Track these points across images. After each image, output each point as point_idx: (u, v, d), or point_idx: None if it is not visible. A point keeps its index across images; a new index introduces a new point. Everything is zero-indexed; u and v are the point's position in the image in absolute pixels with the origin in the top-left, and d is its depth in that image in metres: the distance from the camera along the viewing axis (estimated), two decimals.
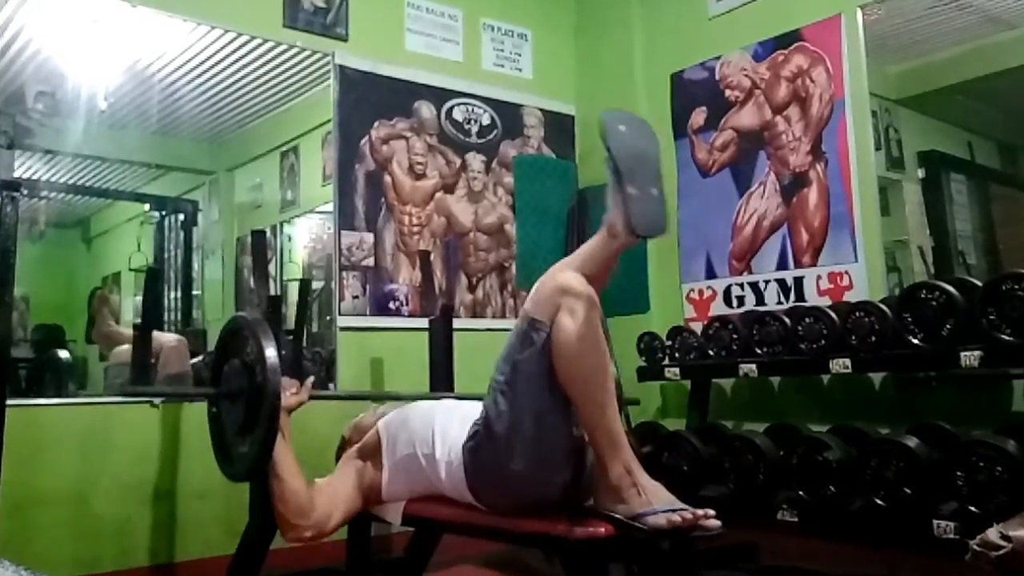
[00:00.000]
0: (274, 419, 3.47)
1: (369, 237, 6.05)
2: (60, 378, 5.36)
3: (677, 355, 5.78)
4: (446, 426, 3.59)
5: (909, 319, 4.44)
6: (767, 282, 5.94)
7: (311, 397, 4.00)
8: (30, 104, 5.18)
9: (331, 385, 5.77)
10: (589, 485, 3.31)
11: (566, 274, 3.25)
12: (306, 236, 6.46)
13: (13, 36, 5.13)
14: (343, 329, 5.87)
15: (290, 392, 3.83)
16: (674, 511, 2.99)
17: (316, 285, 6.14)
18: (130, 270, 5.78)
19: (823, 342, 4.86)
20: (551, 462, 3.22)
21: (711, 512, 3.03)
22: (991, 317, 4.13)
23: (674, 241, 6.52)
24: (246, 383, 3.62)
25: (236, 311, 5.96)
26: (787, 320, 5.10)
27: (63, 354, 5.40)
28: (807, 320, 4.95)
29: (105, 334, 5.63)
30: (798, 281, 5.78)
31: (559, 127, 7.22)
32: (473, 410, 3.49)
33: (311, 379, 4.01)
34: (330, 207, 5.99)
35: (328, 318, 5.94)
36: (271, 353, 3.52)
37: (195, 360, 5.65)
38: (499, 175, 6.80)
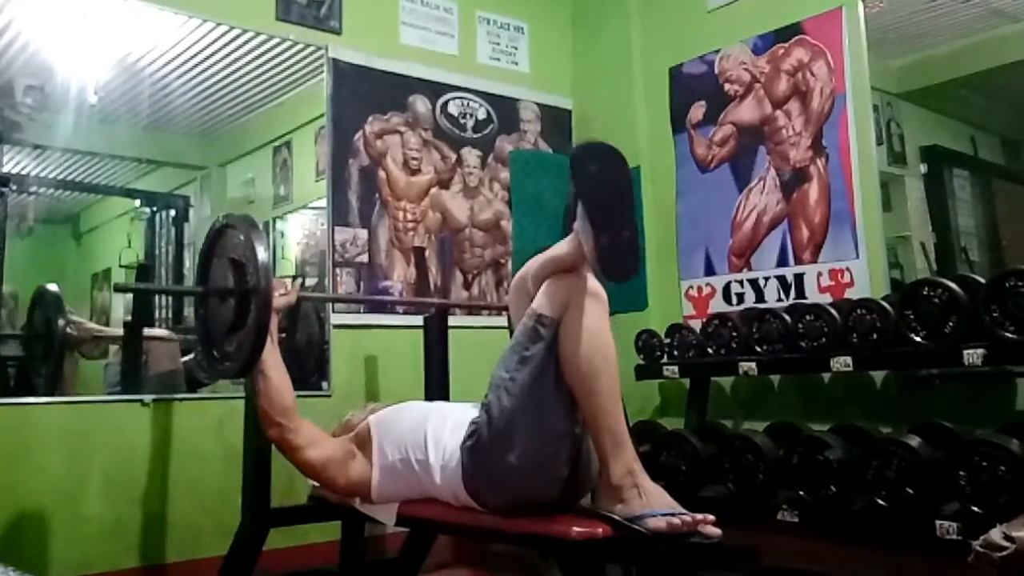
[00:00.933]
0: (265, 321, 3.56)
1: (363, 233, 6.04)
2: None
3: (676, 353, 5.78)
4: (439, 430, 3.59)
5: (911, 316, 4.44)
6: (767, 279, 5.93)
7: (300, 298, 4.20)
8: (19, 98, 5.17)
9: (324, 384, 5.77)
10: (587, 484, 3.32)
11: (575, 272, 3.26)
12: (299, 232, 6.45)
13: (2, 29, 5.11)
14: (336, 327, 5.85)
15: (279, 293, 3.92)
16: (673, 515, 3.00)
17: (309, 282, 6.13)
18: (120, 266, 5.76)
19: (824, 340, 4.85)
20: (551, 458, 3.22)
21: (711, 518, 3.04)
22: (994, 314, 4.12)
23: (673, 237, 6.52)
24: (235, 282, 3.69)
25: None
26: (787, 318, 5.10)
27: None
28: (808, 317, 4.95)
29: (94, 337, 5.61)
30: (798, 278, 5.77)
31: (556, 121, 7.21)
32: (466, 415, 3.50)
33: (298, 280, 4.07)
34: (323, 203, 5.97)
35: (321, 315, 5.93)
36: (262, 251, 3.59)
37: (186, 358, 5.64)
38: (495, 170, 6.80)
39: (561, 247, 3.31)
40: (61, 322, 5.14)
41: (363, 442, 3.85)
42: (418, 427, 3.67)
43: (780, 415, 5.55)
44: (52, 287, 5.18)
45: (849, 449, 4.59)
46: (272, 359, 3.75)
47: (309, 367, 5.85)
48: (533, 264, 3.41)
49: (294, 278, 4.29)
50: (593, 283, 3.24)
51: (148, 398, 5.10)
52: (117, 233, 5.97)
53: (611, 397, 3.17)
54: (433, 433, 3.59)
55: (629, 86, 6.92)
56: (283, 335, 5.43)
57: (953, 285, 4.31)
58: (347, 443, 3.88)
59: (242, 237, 3.70)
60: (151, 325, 5.71)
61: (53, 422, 4.82)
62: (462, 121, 6.65)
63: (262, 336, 3.57)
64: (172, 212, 6.05)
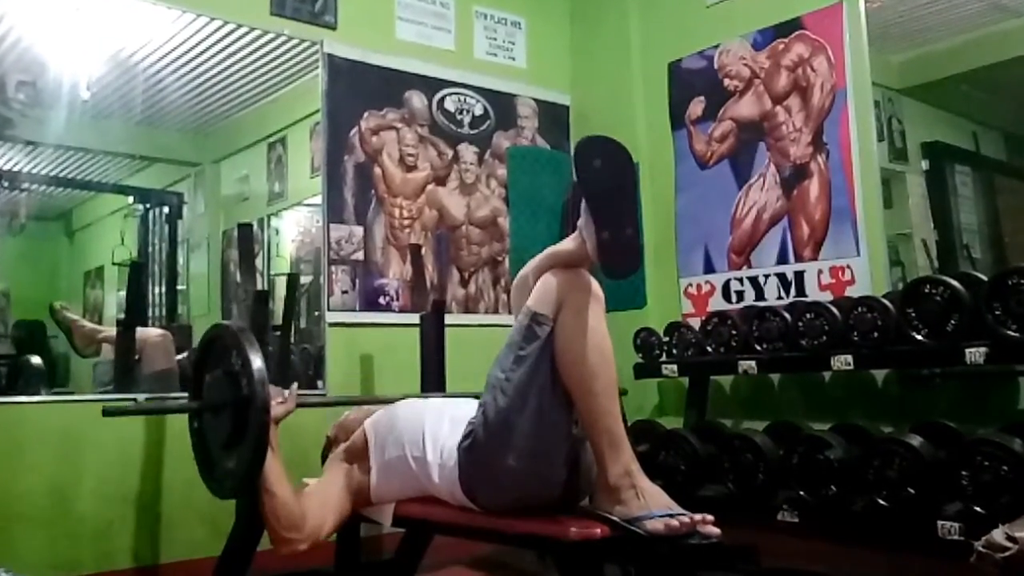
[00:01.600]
0: (264, 433, 3.42)
1: (359, 230, 6.04)
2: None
3: (675, 352, 5.78)
4: (436, 428, 3.58)
5: (913, 314, 4.43)
6: (767, 276, 5.93)
7: (299, 405, 3.96)
8: (11, 94, 5.16)
9: (319, 383, 5.76)
10: (585, 484, 3.31)
11: (571, 270, 3.25)
12: (294, 229, 6.45)
13: None
14: (332, 325, 5.85)
15: (276, 401, 3.71)
16: (672, 516, 2.99)
17: (304, 280, 6.13)
18: (113, 264, 5.75)
19: (824, 338, 4.85)
20: (548, 459, 3.21)
21: (709, 518, 3.03)
22: (997, 312, 4.12)
23: (671, 235, 6.52)
24: (231, 395, 3.56)
25: (222, 306, 5.98)
26: (787, 316, 5.10)
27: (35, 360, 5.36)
28: (808, 315, 4.95)
29: (88, 336, 5.61)
30: (799, 275, 5.76)
31: (554, 117, 7.21)
32: (463, 411, 3.50)
33: (295, 386, 3.97)
34: (318, 200, 5.97)
35: (316, 314, 5.93)
36: (258, 363, 3.45)
37: (180, 356, 5.63)
38: (492, 167, 6.79)
39: (565, 244, 3.31)
40: None
41: (359, 452, 3.82)
42: (415, 424, 3.66)
43: (780, 414, 5.55)
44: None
45: (850, 449, 4.59)
46: (275, 474, 3.55)
47: (304, 365, 5.86)
48: (535, 260, 3.40)
49: (287, 383, 4.22)
50: (589, 280, 3.23)
51: (141, 397, 5.10)
52: (110, 230, 5.96)
53: (608, 397, 3.16)
54: (431, 430, 3.58)
55: (628, 81, 6.92)
56: (277, 333, 5.43)
57: (955, 283, 4.30)
58: (342, 478, 3.83)
59: (235, 348, 3.59)
60: (144, 323, 5.70)
61: (45, 421, 4.82)
62: (459, 117, 6.64)
63: (261, 451, 3.44)
64: (166, 209, 6.05)
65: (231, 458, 3.59)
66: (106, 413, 3.85)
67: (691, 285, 6.40)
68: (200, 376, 3.84)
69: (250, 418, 3.43)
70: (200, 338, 3.97)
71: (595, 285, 3.23)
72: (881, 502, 4.30)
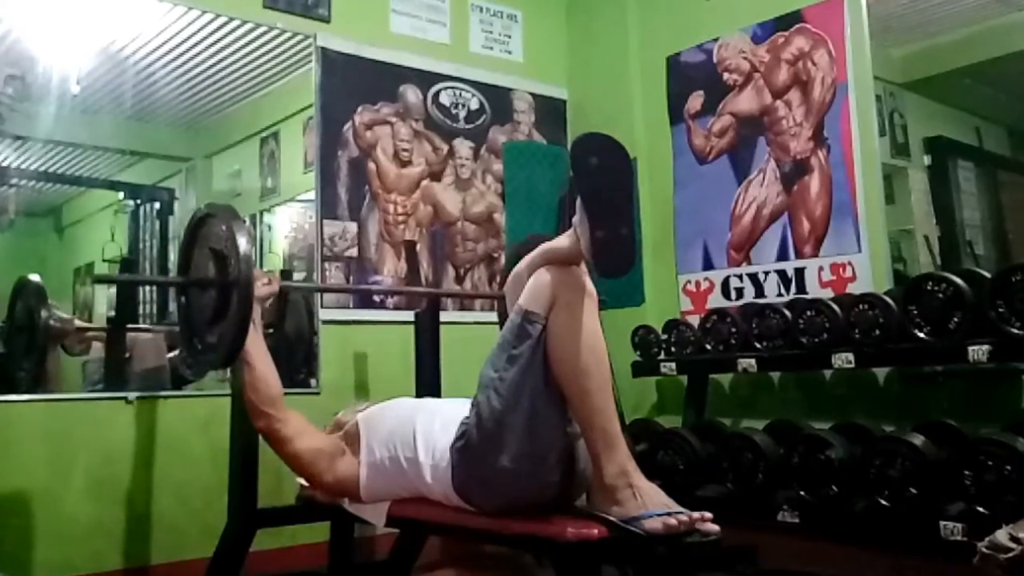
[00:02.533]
0: (248, 307, 3.58)
1: (352, 227, 6.02)
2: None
3: (673, 350, 5.77)
4: (427, 428, 3.57)
5: (915, 312, 4.43)
6: (767, 273, 5.93)
7: (282, 288, 4.24)
8: None
9: (312, 381, 5.75)
10: (581, 485, 3.30)
11: (562, 266, 3.24)
12: (287, 225, 6.44)
13: None
14: (325, 323, 5.84)
15: (261, 283, 3.95)
16: (670, 514, 2.98)
17: (297, 276, 6.12)
18: (104, 261, 5.75)
19: (825, 336, 4.85)
20: (543, 460, 3.19)
21: (708, 515, 3.02)
22: (1000, 310, 4.12)
23: (670, 231, 6.51)
24: (217, 272, 3.72)
25: None
26: (788, 313, 5.10)
27: None
28: (808, 313, 4.94)
29: (78, 334, 5.59)
30: (799, 272, 5.76)
31: (550, 112, 7.20)
32: (454, 410, 3.49)
33: (278, 272, 4.07)
34: (312, 195, 5.96)
35: (310, 311, 5.92)
36: (243, 241, 3.61)
37: (172, 355, 5.62)
38: (488, 162, 6.79)
39: (560, 241, 3.30)
40: (44, 314, 5.12)
41: (352, 440, 3.83)
42: (406, 424, 3.65)
43: (780, 413, 5.54)
44: (35, 277, 5.14)
45: (851, 448, 4.58)
46: (256, 349, 3.78)
47: (297, 363, 5.85)
48: (529, 257, 3.40)
49: (282, 272, 4.30)
50: (582, 278, 3.22)
51: (132, 395, 5.09)
52: (100, 226, 5.96)
53: (602, 395, 3.15)
54: (422, 430, 3.57)
55: (625, 75, 6.91)
56: (270, 331, 5.43)
57: (958, 280, 4.30)
58: (336, 440, 3.87)
59: (223, 227, 3.71)
60: (135, 321, 5.69)
61: (35, 420, 4.81)
62: (454, 111, 6.63)
63: (244, 325, 3.59)
64: (156, 205, 6.05)
65: (214, 333, 3.75)
66: (96, 280, 4.00)
67: (690, 282, 6.40)
68: (189, 252, 3.96)
69: (235, 294, 3.59)
70: (190, 217, 4.05)
71: (587, 282, 3.22)
72: (883, 502, 4.29)
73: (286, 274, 6.02)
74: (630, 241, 3.11)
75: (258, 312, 3.83)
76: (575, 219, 3.17)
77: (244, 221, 3.72)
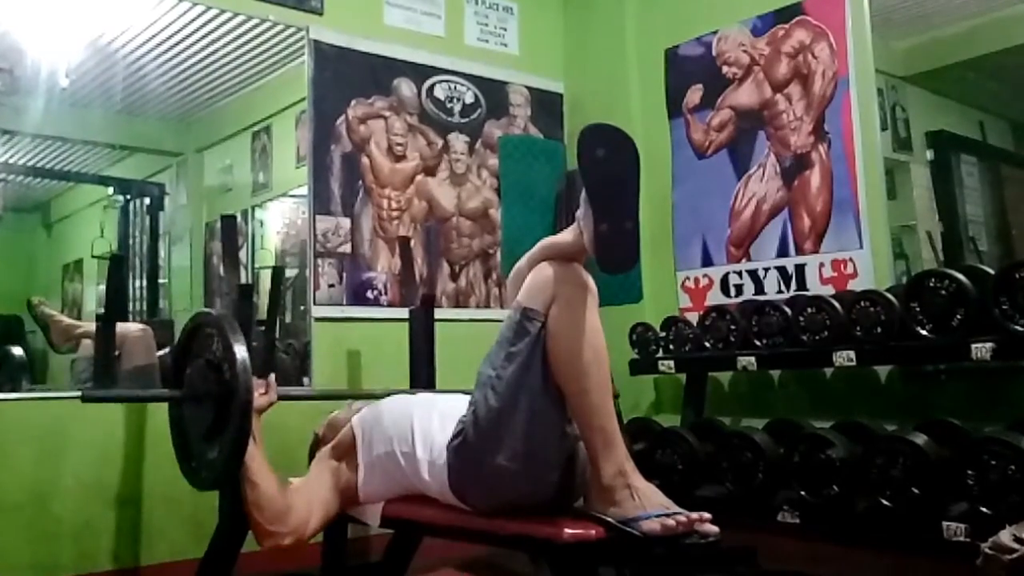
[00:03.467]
0: (246, 422, 3.43)
1: (346, 222, 6.02)
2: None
3: (672, 347, 5.77)
4: (425, 423, 3.57)
5: (917, 309, 4.43)
6: (767, 270, 5.92)
7: (280, 397, 3.99)
8: None
9: (306, 379, 5.75)
10: (580, 485, 3.29)
11: (562, 262, 3.23)
12: (279, 221, 6.44)
13: None
14: (318, 320, 5.84)
15: (258, 393, 3.75)
16: (668, 515, 2.98)
17: (290, 273, 6.11)
18: (93, 257, 5.74)
19: (826, 333, 4.85)
20: (541, 459, 3.20)
21: (707, 515, 3.02)
22: (1004, 307, 4.11)
23: (668, 227, 6.51)
24: (213, 384, 3.58)
25: (205, 301, 5.97)
26: (788, 310, 5.09)
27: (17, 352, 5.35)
28: (809, 310, 4.94)
29: (66, 331, 5.59)
30: (799, 269, 5.76)
31: (547, 106, 7.19)
32: (452, 406, 3.49)
33: (272, 376, 3.97)
34: (304, 190, 5.95)
35: (302, 308, 5.91)
36: (241, 351, 3.47)
37: (162, 352, 5.62)
38: (483, 157, 6.78)
39: (563, 235, 3.30)
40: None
41: (346, 449, 3.81)
42: (403, 419, 3.66)
43: (780, 412, 5.54)
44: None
45: (852, 447, 4.58)
46: (258, 464, 3.59)
47: (290, 361, 5.85)
48: (530, 252, 3.39)
49: (265, 374, 4.25)
50: (582, 274, 3.21)
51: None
52: (89, 222, 5.95)
53: (601, 394, 3.14)
54: (419, 426, 3.57)
55: (623, 69, 6.91)
56: (262, 328, 5.42)
57: (961, 276, 4.30)
58: (329, 476, 3.83)
59: (218, 336, 3.62)
60: (125, 318, 5.68)
61: (22, 418, 4.80)
62: (449, 105, 6.62)
63: (244, 441, 3.46)
64: (147, 200, 6.04)
65: (212, 449, 3.61)
66: (85, 399, 3.87)
67: (688, 279, 6.40)
68: (181, 365, 3.85)
69: (232, 408, 3.46)
70: (182, 326, 3.97)
71: (587, 278, 3.22)
72: (884, 502, 4.29)
73: (277, 270, 5.99)
74: (634, 237, 3.10)
75: (257, 425, 3.72)
76: (579, 212, 3.16)
77: (239, 329, 3.63)
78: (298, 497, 3.70)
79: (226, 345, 3.52)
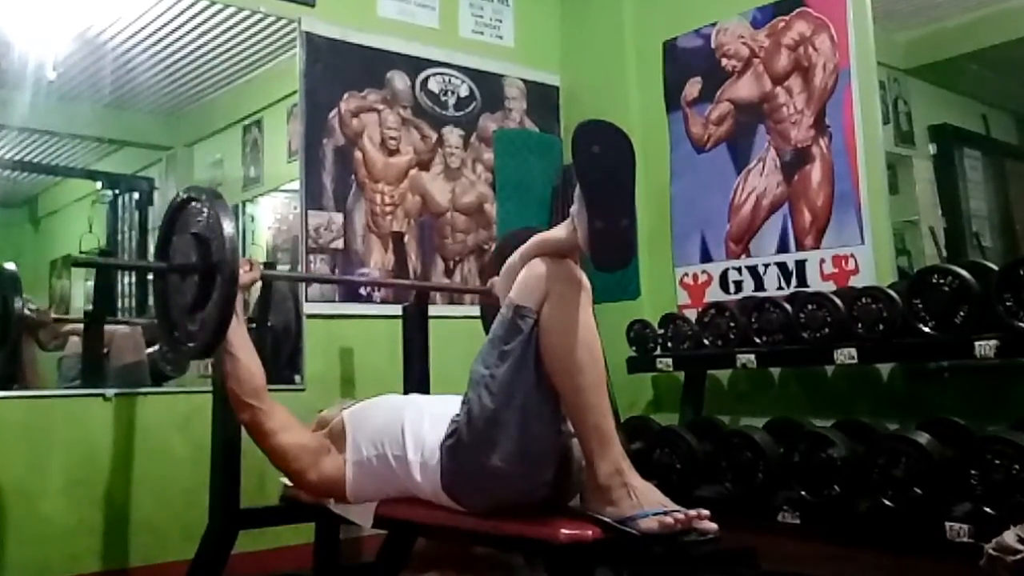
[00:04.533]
0: (232, 293, 3.56)
1: (338, 217, 6.01)
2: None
3: (670, 345, 5.78)
4: (416, 424, 3.56)
5: (920, 306, 4.43)
6: (767, 266, 5.92)
7: (262, 276, 4.30)
8: None
9: (297, 377, 5.74)
10: (576, 485, 3.29)
11: (555, 258, 3.22)
12: (270, 216, 6.43)
13: None
14: (310, 316, 5.83)
15: (243, 270, 3.92)
16: (666, 513, 2.97)
17: (281, 269, 6.11)
18: (81, 252, 5.73)
19: (827, 330, 4.84)
20: (536, 459, 3.18)
21: (705, 513, 3.02)
22: (1008, 303, 4.11)
23: (666, 222, 6.50)
24: (199, 258, 3.69)
25: None
26: (788, 307, 5.10)
27: None
28: (810, 307, 4.94)
29: (53, 328, 5.58)
30: (800, 265, 5.76)
31: (543, 99, 7.18)
32: (445, 408, 3.47)
33: (258, 257, 4.07)
34: (296, 185, 5.93)
35: (294, 304, 5.90)
36: (228, 226, 3.58)
37: (151, 350, 5.61)
38: (478, 151, 6.77)
39: (556, 231, 3.29)
40: (18, 303, 5.11)
41: (337, 438, 3.82)
42: (394, 421, 3.64)
43: (780, 410, 5.54)
44: (10, 266, 5.13)
45: (853, 446, 4.58)
46: (239, 338, 3.78)
47: (282, 359, 5.84)
48: (523, 248, 3.38)
49: (264, 264, 4.31)
50: (575, 270, 3.21)
51: (110, 392, 5.07)
52: (77, 217, 5.95)
53: (596, 392, 3.14)
54: (411, 427, 3.56)
55: (620, 61, 6.91)
56: (252, 325, 5.42)
57: (964, 272, 4.30)
58: (322, 437, 3.87)
59: (206, 210, 3.70)
60: (113, 314, 5.68)
61: (8, 417, 4.78)
62: (443, 98, 6.62)
63: (228, 310, 3.57)
64: (135, 195, 6.03)
65: (194, 322, 3.73)
66: (74, 264, 3.98)
67: (687, 275, 6.39)
68: (168, 237, 3.95)
69: (218, 283, 3.58)
70: (171, 200, 4.03)
71: (581, 275, 3.21)
72: (886, 503, 4.29)
73: (269, 266, 6.00)
74: (629, 234, 3.09)
75: (240, 301, 3.81)
76: (573, 209, 3.15)
77: (227, 204, 3.70)
78: (284, 410, 3.87)
79: (215, 220, 3.62)
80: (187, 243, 3.75)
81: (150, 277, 5.75)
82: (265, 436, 3.76)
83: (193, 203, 3.81)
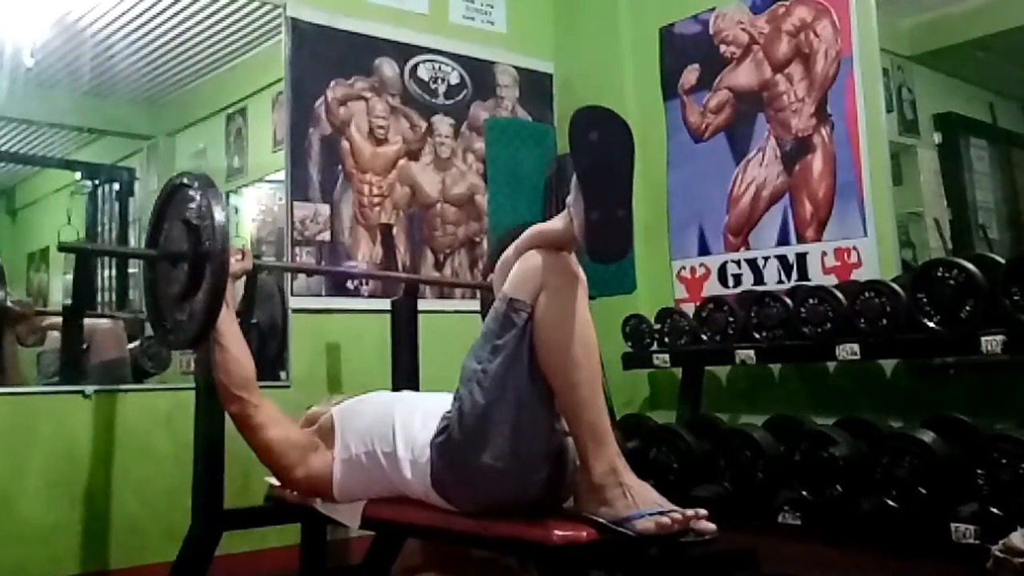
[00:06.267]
0: (222, 282, 3.61)
1: (325, 209, 6.00)
2: None
3: (667, 340, 5.77)
4: (407, 422, 3.56)
5: (924, 300, 4.43)
6: (766, 259, 5.92)
7: (255, 266, 4.41)
8: None
9: (282, 373, 5.74)
10: (570, 484, 3.29)
11: (551, 251, 3.22)
12: (255, 208, 6.43)
13: None
14: (296, 311, 5.81)
15: (234, 259, 3.99)
16: (663, 514, 2.97)
17: (266, 261, 6.10)
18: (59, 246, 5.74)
19: (828, 325, 4.83)
20: (529, 458, 3.18)
21: (703, 512, 3.01)
22: (1015, 298, 4.11)
23: (663, 213, 6.50)
24: (190, 246, 3.72)
25: None
26: (788, 301, 5.09)
27: None
28: (811, 301, 4.93)
29: (31, 323, 5.57)
30: (801, 258, 5.75)
31: (536, 87, 7.18)
32: (436, 405, 3.47)
33: (248, 245, 4.08)
34: (281, 176, 5.93)
35: (279, 298, 5.89)
36: (220, 214, 3.62)
37: (132, 345, 5.61)
38: (469, 140, 6.77)
39: (553, 223, 3.29)
40: (1, 294, 5.11)
41: (326, 434, 3.83)
42: (384, 418, 3.64)
43: (781, 408, 5.53)
44: None
45: (856, 445, 4.58)
46: (228, 328, 3.82)
47: (267, 356, 5.83)
48: (518, 240, 3.38)
49: (257, 257, 4.33)
50: (571, 263, 3.20)
51: (90, 389, 5.05)
52: (56, 208, 5.96)
53: (591, 389, 3.13)
54: (401, 424, 3.56)
55: (616, 48, 6.90)
56: (237, 321, 5.42)
57: (970, 266, 4.29)
58: (310, 434, 3.88)
59: (198, 197, 3.72)
60: (93, 308, 5.67)
61: None
62: (433, 86, 6.61)
63: (218, 298, 3.61)
64: (116, 186, 6.03)
65: (183, 311, 3.77)
66: (61, 248, 4.01)
67: (684, 268, 6.39)
68: (159, 225, 3.98)
69: (208, 271, 3.62)
70: (163, 186, 4.06)
71: (577, 268, 3.21)
72: (890, 503, 4.29)
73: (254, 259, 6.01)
74: (626, 225, 3.08)
75: (231, 290, 3.84)
76: (569, 199, 3.15)
77: (219, 191, 3.72)
78: (275, 406, 3.91)
79: (205, 206, 3.66)
80: (177, 230, 3.78)
81: (132, 270, 5.84)
82: (253, 430, 3.78)
83: (186, 189, 3.82)
